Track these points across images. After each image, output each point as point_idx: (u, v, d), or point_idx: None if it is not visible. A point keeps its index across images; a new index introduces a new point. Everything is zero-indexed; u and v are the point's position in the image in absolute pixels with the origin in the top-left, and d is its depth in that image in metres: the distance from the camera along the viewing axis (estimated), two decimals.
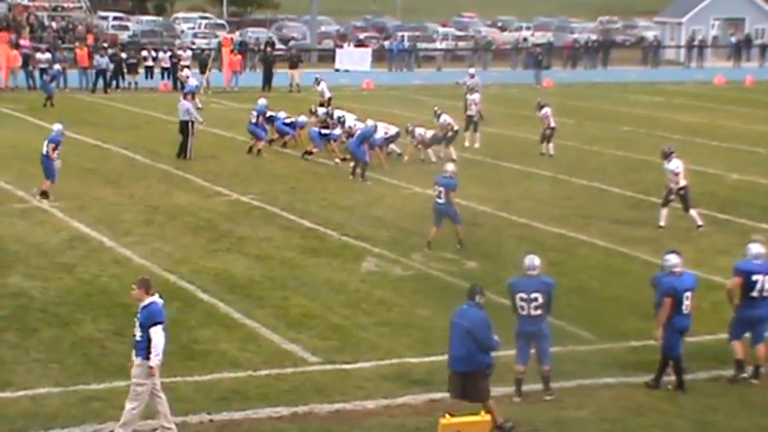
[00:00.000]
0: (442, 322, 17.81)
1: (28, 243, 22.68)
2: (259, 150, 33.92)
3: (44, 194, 26.45)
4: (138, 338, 13.28)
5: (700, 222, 24.58)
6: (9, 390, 14.81)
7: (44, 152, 26.41)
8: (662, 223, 24.54)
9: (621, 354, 16.73)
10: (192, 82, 43.96)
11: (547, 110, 34.63)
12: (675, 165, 24.59)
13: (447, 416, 12.77)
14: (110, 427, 13.63)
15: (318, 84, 41.71)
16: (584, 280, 20.34)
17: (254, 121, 34.39)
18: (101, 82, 52.37)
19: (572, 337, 17.14)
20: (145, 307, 13.41)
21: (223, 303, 18.81)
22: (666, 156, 24.75)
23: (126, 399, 13.43)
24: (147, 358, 13.21)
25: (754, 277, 15.53)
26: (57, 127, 27.10)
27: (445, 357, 16.12)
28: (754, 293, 15.56)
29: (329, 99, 39.24)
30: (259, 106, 34.80)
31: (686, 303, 15.09)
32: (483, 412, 13.23)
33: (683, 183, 24.54)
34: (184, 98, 33.81)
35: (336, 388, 15.16)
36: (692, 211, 24.64)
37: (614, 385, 15.43)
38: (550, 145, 34.60)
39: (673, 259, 15.31)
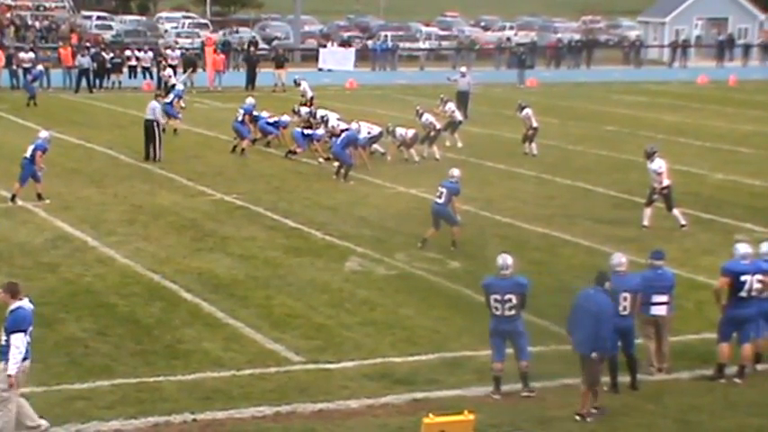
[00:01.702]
0: (425, 322, 18.06)
1: (11, 242, 22.61)
2: (243, 149, 33.92)
3: (13, 198, 26.18)
4: (2, 343, 12.98)
5: (683, 222, 24.63)
6: None
7: (28, 156, 26.17)
8: (645, 223, 24.58)
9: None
10: (174, 81, 44.01)
11: (528, 111, 34.52)
12: (658, 165, 24.63)
13: (430, 415, 12.72)
14: (93, 427, 13.61)
15: (299, 85, 41.56)
16: (567, 279, 20.18)
17: (239, 119, 34.41)
18: (84, 82, 52.19)
19: (556, 336, 16.95)
20: (11, 312, 13.07)
21: (207, 303, 18.76)
22: (649, 156, 24.81)
23: None
24: None
25: (743, 278, 15.55)
26: (44, 134, 26.92)
27: (429, 357, 16.37)
28: (743, 293, 15.58)
29: (311, 98, 39.19)
30: (247, 105, 34.91)
31: (623, 304, 15.04)
32: (466, 411, 13.13)
33: (666, 182, 24.56)
34: (155, 98, 33.64)
35: (320, 387, 15.13)
36: (675, 211, 24.69)
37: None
38: (533, 145, 34.50)
39: (615, 259, 15.34)
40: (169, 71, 48.66)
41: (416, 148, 32.98)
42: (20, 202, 26.21)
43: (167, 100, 36.85)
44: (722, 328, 15.84)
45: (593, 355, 14.17)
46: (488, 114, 44.09)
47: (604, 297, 14.32)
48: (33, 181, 26.32)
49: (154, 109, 32.74)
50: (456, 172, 23.14)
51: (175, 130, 37.55)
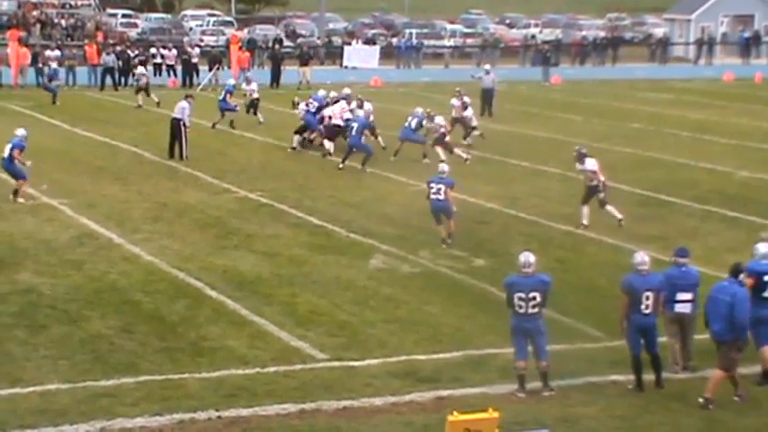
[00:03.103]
0: (449, 319, 18.04)
1: (37, 240, 22.66)
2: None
3: (16, 193, 26.12)
4: None
5: (619, 216, 24.42)
6: (19, 386, 14.79)
7: (6, 156, 25.97)
8: (584, 222, 24.38)
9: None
10: (143, 82, 44.27)
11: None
12: (591, 164, 24.53)
13: (455, 413, 12.69)
14: (118, 424, 13.65)
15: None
16: (592, 277, 20.25)
17: (221, 98, 37.28)
18: (109, 80, 52.30)
19: (580, 334, 17.07)
20: None
21: (231, 300, 18.77)
22: (580, 158, 24.69)
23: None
24: None
25: (766, 278, 15.47)
26: (20, 132, 26.61)
27: (453, 354, 16.37)
28: (766, 294, 15.51)
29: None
30: (228, 86, 38.09)
31: (646, 303, 15.00)
32: (491, 409, 13.07)
33: (601, 179, 24.45)
34: (186, 98, 33.68)
35: (344, 385, 15.10)
36: (609, 207, 24.52)
37: (622, 383, 15.33)
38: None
39: (638, 257, 15.28)
40: (141, 69, 47.23)
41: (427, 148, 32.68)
42: (45, 199, 26.33)
43: (220, 96, 38.66)
44: (757, 331, 15.65)
45: (732, 342, 14.59)
46: (513, 112, 43.99)
47: (739, 288, 14.73)
48: (15, 179, 26.17)
49: (183, 109, 32.72)
50: (445, 167, 23.18)
51: (232, 121, 38.57)
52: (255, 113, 39.67)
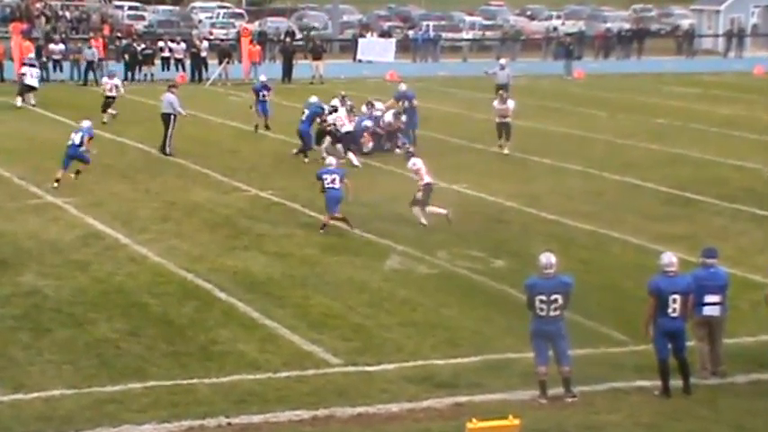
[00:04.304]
0: (468, 322, 17.98)
1: (41, 240, 22.53)
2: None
3: (78, 172, 27.44)
4: None
5: (423, 221, 24.03)
6: (22, 391, 14.70)
7: (77, 142, 27.23)
8: (423, 221, 24.04)
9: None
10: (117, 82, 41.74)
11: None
12: (412, 163, 24.64)
13: (473, 420, 12.48)
14: (125, 431, 13.57)
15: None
16: (616, 279, 20.05)
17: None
18: (91, 75, 51.38)
19: (604, 338, 16.87)
20: None
21: (242, 303, 18.65)
22: (408, 157, 25.17)
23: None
24: None
25: None
26: (87, 123, 27.99)
27: (471, 359, 16.30)
28: None
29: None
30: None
31: (673, 306, 14.76)
32: (511, 416, 12.86)
33: (426, 180, 24.11)
34: (169, 90, 33.22)
35: (359, 390, 14.98)
36: (431, 208, 24.16)
37: (648, 389, 15.09)
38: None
39: (666, 258, 15.02)
40: (106, 79, 41.24)
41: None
42: (49, 198, 26.25)
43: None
44: None
45: None
46: (533, 107, 43.50)
47: None
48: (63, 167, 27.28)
49: (170, 102, 32.49)
50: (333, 161, 24.31)
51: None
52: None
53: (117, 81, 39.46)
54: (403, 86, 35.83)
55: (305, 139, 31.70)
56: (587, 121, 40.99)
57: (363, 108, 33.69)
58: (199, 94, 46.07)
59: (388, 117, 32.99)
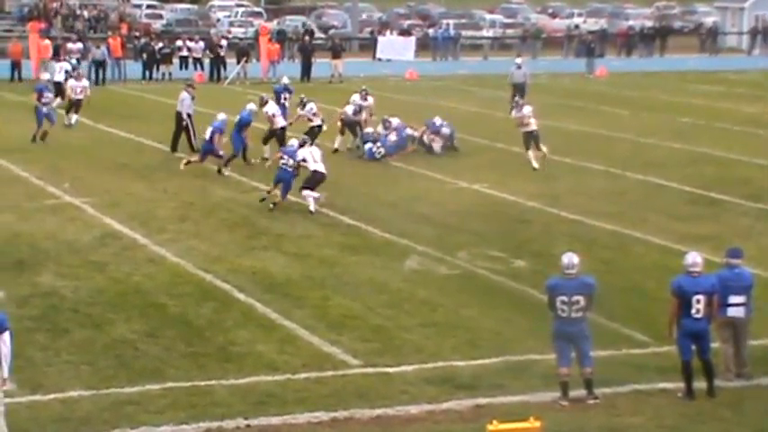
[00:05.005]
0: (488, 323, 17.83)
1: (59, 240, 22.45)
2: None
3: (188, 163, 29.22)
4: None
5: (312, 209, 24.77)
6: (40, 393, 14.62)
7: (207, 137, 28.85)
8: (312, 209, 24.86)
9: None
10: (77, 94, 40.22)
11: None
12: (302, 155, 25.37)
13: (494, 422, 12.40)
14: None
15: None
16: (639, 279, 19.88)
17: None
18: (102, 74, 51.30)
19: (627, 339, 16.71)
20: None
21: (260, 303, 18.55)
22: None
23: None
24: None
25: None
26: (222, 116, 29.49)
27: (492, 360, 16.17)
28: None
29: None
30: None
31: (696, 307, 14.59)
32: (532, 418, 12.75)
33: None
34: (185, 88, 33.08)
35: (378, 392, 14.88)
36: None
37: (672, 391, 14.93)
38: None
39: (690, 258, 14.84)
40: (72, 82, 38.21)
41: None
42: (67, 198, 26.10)
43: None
44: None
45: None
46: (554, 106, 43.34)
47: None
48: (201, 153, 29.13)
49: (182, 100, 32.42)
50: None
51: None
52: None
53: (85, 83, 38.78)
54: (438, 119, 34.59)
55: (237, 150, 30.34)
56: (609, 119, 40.81)
57: (380, 128, 32.55)
58: (217, 94, 46.01)
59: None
